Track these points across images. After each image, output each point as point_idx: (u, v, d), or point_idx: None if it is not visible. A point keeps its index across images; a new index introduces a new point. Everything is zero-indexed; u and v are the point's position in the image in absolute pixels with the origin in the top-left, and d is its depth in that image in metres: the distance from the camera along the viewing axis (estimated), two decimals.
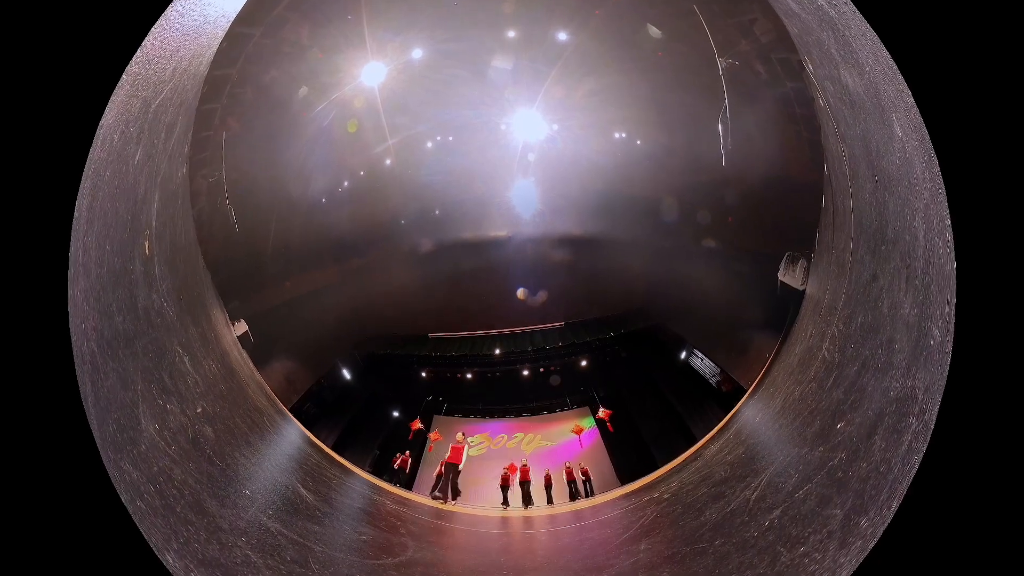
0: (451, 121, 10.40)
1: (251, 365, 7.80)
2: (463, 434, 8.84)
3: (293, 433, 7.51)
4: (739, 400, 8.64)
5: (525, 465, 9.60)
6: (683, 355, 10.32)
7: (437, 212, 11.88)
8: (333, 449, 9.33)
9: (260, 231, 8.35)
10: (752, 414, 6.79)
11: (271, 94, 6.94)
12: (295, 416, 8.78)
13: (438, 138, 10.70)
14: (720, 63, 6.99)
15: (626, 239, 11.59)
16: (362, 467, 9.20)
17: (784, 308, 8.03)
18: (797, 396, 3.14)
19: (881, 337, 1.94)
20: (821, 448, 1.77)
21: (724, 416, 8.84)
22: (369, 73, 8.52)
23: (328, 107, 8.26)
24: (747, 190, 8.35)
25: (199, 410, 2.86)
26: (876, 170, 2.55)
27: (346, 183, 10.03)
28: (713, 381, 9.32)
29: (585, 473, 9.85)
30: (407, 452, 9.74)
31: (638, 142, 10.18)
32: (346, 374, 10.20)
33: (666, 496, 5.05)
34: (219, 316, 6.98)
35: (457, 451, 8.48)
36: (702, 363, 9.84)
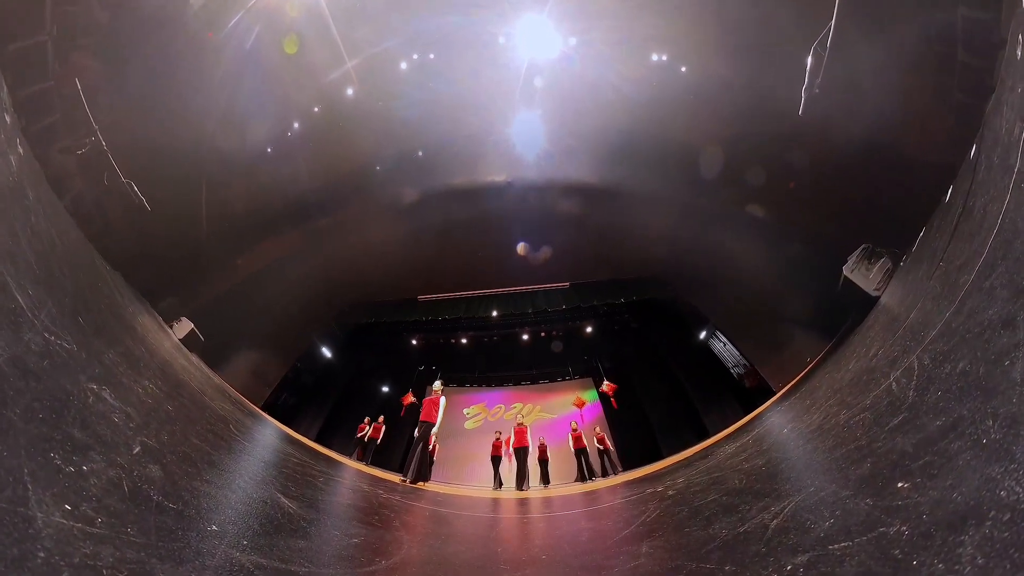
0: (430, 32, 7.63)
1: (205, 369, 6.73)
2: (440, 383, 6.90)
3: (269, 434, 6.67)
4: (765, 401, 7.71)
5: (521, 425, 8.71)
6: (703, 335, 9.15)
7: (420, 154, 9.62)
8: (317, 441, 8.67)
9: (185, 203, 6.44)
10: (779, 422, 5.84)
11: (142, 9, 4.50)
12: (269, 413, 7.90)
13: (414, 56, 8.01)
14: None
15: (651, 192, 9.57)
16: (351, 455, 8.65)
17: (843, 310, 6.69)
18: (842, 421, 2.59)
19: (996, 407, 1.46)
20: (869, 501, 1.46)
21: (744, 415, 8.01)
22: None
23: (245, 20, 5.69)
24: (827, 152, 6.24)
25: (136, 450, 2.07)
26: None
27: (296, 125, 7.70)
28: (735, 372, 8.29)
29: (602, 442, 8.50)
30: (380, 418, 8.83)
31: (683, 69, 7.59)
32: (326, 352, 9.10)
33: (671, 493, 4.53)
34: (149, 322, 5.67)
35: (431, 405, 6.50)
36: (724, 348, 8.72)
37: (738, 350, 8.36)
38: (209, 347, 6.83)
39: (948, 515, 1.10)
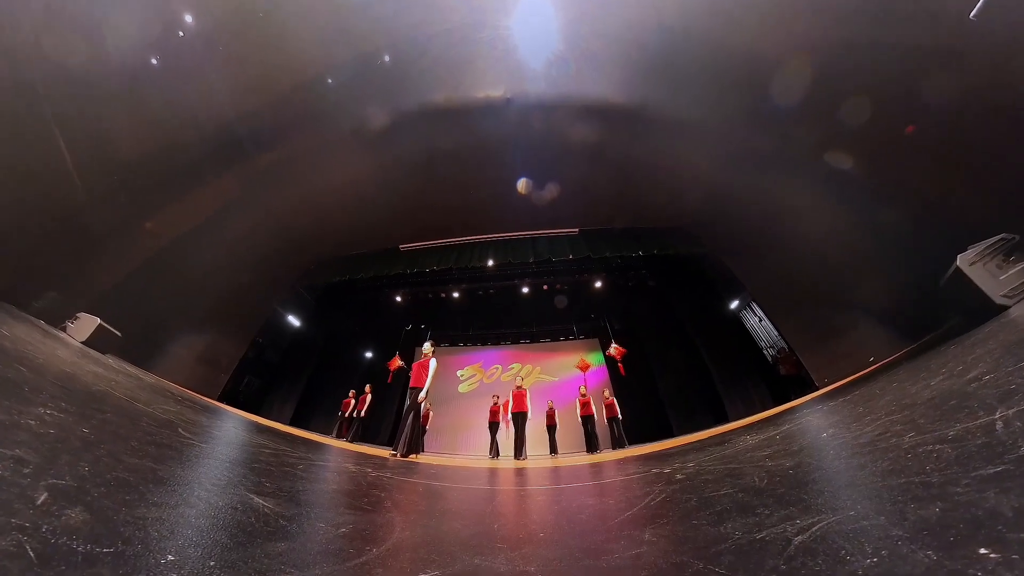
0: None
1: (131, 369, 5.57)
2: (430, 344, 6.24)
3: (232, 427, 5.80)
4: (803, 395, 6.67)
5: (520, 388, 7.90)
6: (734, 305, 7.70)
7: (386, 59, 7.08)
8: (293, 424, 7.73)
9: (30, 155, 4.40)
10: (817, 423, 4.96)
11: None
12: (230, 403, 6.80)
13: None
14: None
15: (695, 120, 7.34)
16: (334, 434, 7.86)
17: (942, 310, 5.30)
18: (907, 445, 2.09)
19: None
20: (932, 554, 0.99)
21: (773, 405, 7.03)
22: None
23: None
24: (995, 85, 4.10)
25: (42, 499, 1.47)
26: None
27: (189, 19, 5.17)
28: (768, 354, 7.07)
29: (612, 409, 7.63)
30: (367, 387, 7.91)
31: None
32: (292, 320, 7.67)
33: (679, 477, 4.10)
34: (24, 332, 4.52)
35: (420, 369, 5.93)
36: (759, 324, 7.37)
37: (776, 329, 7.03)
38: (130, 342, 5.43)
39: None
